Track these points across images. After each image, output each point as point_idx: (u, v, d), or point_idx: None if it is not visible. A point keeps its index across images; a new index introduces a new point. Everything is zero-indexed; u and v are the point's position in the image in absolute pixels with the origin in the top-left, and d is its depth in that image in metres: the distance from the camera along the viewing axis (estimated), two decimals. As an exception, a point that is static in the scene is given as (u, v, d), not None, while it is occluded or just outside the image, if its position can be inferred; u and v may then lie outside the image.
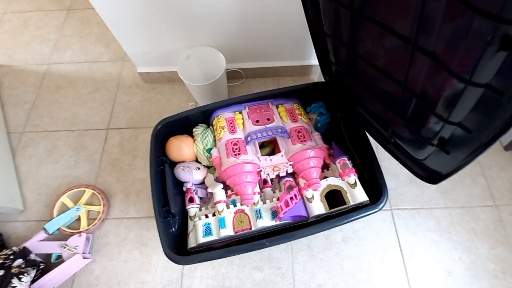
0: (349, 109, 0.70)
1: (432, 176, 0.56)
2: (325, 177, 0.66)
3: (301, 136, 0.68)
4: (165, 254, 0.57)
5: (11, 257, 0.75)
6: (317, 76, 1.10)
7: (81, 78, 1.15)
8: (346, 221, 0.57)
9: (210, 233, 0.62)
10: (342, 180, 0.64)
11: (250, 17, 0.86)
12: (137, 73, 1.09)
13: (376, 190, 0.63)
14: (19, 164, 1.01)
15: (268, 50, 1.01)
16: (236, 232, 0.61)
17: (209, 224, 0.63)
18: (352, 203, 0.61)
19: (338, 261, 0.84)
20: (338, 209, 0.62)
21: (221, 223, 0.62)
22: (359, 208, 0.61)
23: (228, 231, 0.61)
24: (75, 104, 1.10)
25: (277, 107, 0.75)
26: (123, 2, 0.79)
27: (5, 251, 0.78)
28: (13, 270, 0.72)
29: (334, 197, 0.65)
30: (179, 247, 0.63)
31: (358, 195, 0.61)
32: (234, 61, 1.04)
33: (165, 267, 0.85)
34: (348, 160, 0.66)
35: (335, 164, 0.68)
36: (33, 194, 0.95)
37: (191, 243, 0.63)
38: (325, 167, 0.71)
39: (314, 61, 1.07)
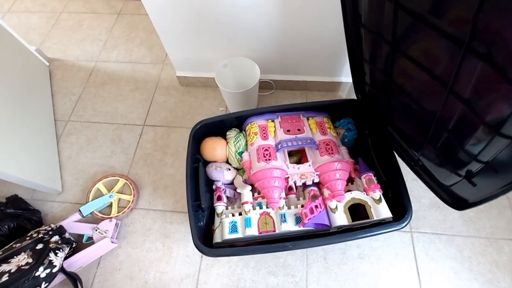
0: (379, 128, 0.72)
1: (457, 203, 0.56)
2: (349, 190, 0.68)
3: (329, 148, 0.71)
4: (195, 244, 0.61)
5: (50, 232, 0.82)
6: (345, 93, 1.14)
7: (124, 76, 1.25)
8: (370, 234, 0.59)
9: (236, 231, 0.65)
10: (367, 195, 0.66)
11: (288, 33, 0.92)
12: (175, 76, 1.18)
13: (399, 209, 0.64)
14: (62, 150, 1.10)
15: (300, 64, 1.06)
16: (260, 233, 0.64)
17: (236, 222, 0.67)
18: (375, 218, 0.63)
19: (353, 277, 0.84)
20: (360, 222, 0.64)
21: (247, 223, 0.65)
22: (381, 224, 0.63)
23: (253, 231, 0.64)
24: (116, 100, 1.19)
25: (308, 119, 0.79)
26: (175, 13, 0.87)
27: (44, 227, 0.85)
28: (51, 245, 0.79)
29: (356, 210, 0.67)
30: (204, 241, 0.67)
31: (382, 211, 0.63)
32: (266, 72, 1.09)
33: (184, 261, 0.88)
34: (374, 176, 0.68)
35: (360, 178, 0.70)
36: (72, 178, 1.04)
37: (217, 238, 0.67)
38: (349, 181, 0.73)
39: (343, 78, 1.11)
